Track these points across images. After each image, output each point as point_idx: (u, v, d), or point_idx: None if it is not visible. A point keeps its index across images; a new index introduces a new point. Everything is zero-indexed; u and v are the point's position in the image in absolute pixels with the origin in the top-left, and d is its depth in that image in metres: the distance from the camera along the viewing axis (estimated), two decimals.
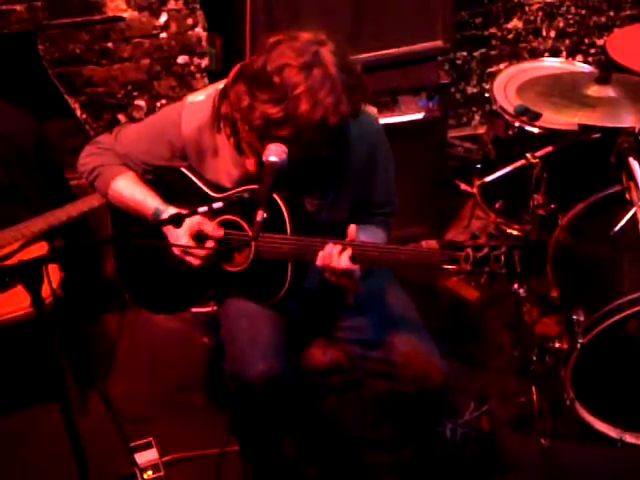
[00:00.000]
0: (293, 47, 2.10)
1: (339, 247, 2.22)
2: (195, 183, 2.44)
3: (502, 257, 2.17)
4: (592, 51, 4.46)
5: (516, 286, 3.08)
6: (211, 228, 2.38)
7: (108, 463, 2.85)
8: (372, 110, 2.49)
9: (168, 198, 2.43)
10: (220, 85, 2.33)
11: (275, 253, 2.33)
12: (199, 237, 2.38)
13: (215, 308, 2.74)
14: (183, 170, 2.44)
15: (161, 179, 2.48)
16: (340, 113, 2.11)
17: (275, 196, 2.29)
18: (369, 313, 2.52)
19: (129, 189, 2.45)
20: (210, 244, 2.38)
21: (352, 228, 2.25)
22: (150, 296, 2.68)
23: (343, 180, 2.40)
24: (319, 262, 2.24)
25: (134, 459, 2.85)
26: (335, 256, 2.21)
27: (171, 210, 2.38)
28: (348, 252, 2.21)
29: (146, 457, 2.93)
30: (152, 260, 2.57)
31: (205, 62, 3.71)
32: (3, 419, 3.15)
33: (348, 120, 2.21)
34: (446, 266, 2.20)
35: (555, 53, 4.40)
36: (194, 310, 3.13)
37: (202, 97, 2.38)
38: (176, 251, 2.39)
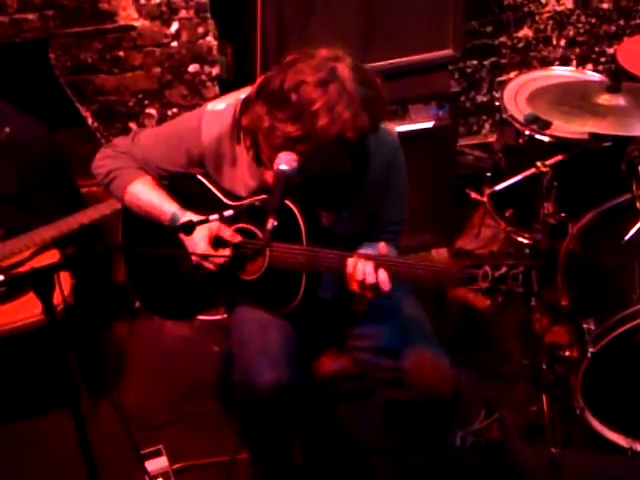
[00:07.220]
0: (309, 65, 2.10)
1: (372, 264, 2.21)
2: (210, 190, 2.44)
3: (520, 276, 2.17)
4: (602, 60, 4.45)
5: None
6: (229, 234, 2.37)
7: (118, 470, 2.85)
8: (391, 127, 2.47)
9: (183, 204, 2.42)
10: (241, 95, 2.31)
11: (289, 263, 2.33)
12: (217, 242, 2.38)
13: (225, 316, 2.74)
14: (199, 177, 2.45)
15: (176, 185, 2.47)
16: (358, 127, 2.09)
17: (293, 208, 2.29)
18: (382, 321, 2.52)
19: (147, 193, 2.44)
20: (226, 252, 2.37)
21: (382, 245, 2.26)
22: (160, 301, 2.68)
23: (358, 196, 2.40)
24: (358, 277, 2.21)
25: (144, 467, 2.85)
26: (371, 272, 2.20)
27: (189, 216, 2.36)
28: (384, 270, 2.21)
29: (156, 465, 2.94)
30: (163, 265, 2.57)
31: (216, 70, 3.72)
32: (14, 426, 3.15)
33: (368, 135, 2.19)
34: (462, 285, 2.21)
35: (565, 62, 4.40)
36: (202, 317, 3.15)
37: (222, 106, 2.37)
38: (194, 256, 2.39)
